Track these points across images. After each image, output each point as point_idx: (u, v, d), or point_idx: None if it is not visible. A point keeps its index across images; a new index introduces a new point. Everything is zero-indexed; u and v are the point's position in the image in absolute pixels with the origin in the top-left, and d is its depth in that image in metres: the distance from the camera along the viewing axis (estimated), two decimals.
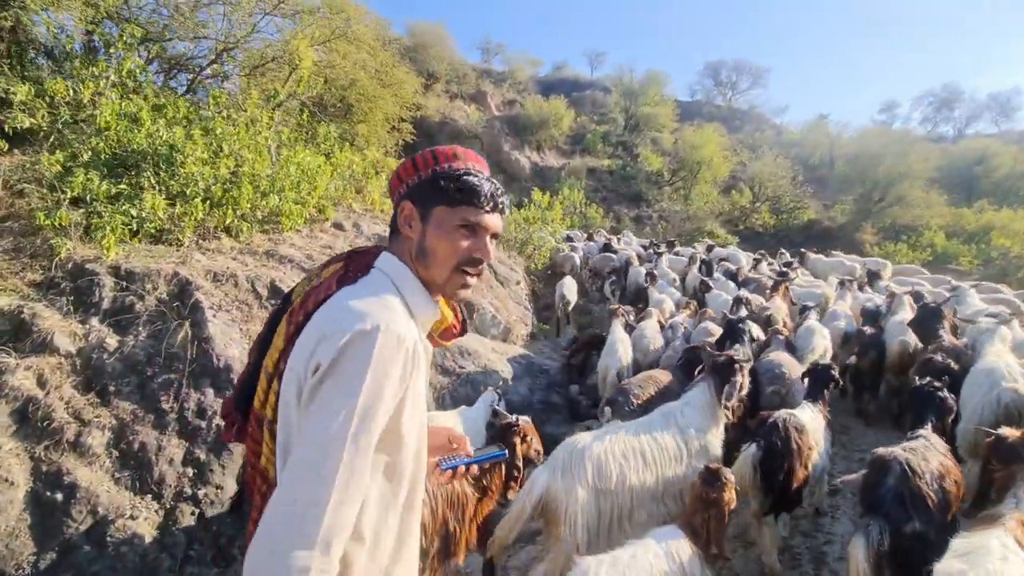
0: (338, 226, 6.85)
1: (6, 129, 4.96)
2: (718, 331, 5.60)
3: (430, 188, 1.13)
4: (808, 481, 3.38)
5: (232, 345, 4.19)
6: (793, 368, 4.70)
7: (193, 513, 3.58)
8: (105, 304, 4.17)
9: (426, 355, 1.17)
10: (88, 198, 4.77)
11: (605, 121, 32.16)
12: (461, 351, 5.42)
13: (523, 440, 3.15)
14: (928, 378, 3.46)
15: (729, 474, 2.58)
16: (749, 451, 3.16)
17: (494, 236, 1.19)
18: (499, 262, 8.07)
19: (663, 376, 4.65)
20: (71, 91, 5.21)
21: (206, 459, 3.76)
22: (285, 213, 5.98)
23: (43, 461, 3.41)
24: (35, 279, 4.21)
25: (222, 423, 3.94)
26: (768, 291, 7.28)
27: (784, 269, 9.28)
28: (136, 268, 4.41)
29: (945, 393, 3.30)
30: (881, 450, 2.80)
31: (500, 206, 1.18)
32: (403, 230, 1.16)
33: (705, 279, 8.24)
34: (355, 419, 0.92)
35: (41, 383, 3.65)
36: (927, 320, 5.14)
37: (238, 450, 3.89)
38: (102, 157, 5.11)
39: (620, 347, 5.70)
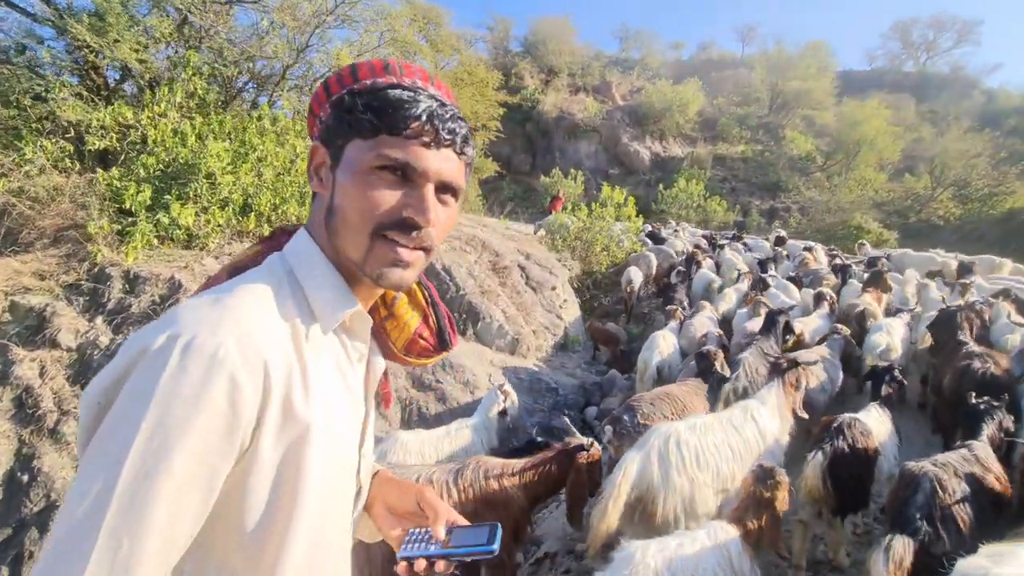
0: None
1: (83, 151, 5.86)
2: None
3: (342, 116, 0.73)
4: (874, 483, 3.29)
5: None
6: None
7: None
8: (110, 304, 4.65)
9: (370, 377, 0.83)
10: (133, 209, 5.41)
11: (747, 102, 28.80)
12: (444, 363, 5.06)
13: (589, 469, 3.03)
14: (985, 397, 3.30)
15: (783, 474, 2.53)
16: (816, 459, 3.06)
17: (444, 187, 0.75)
18: (535, 263, 7.49)
19: (683, 394, 4.05)
20: (135, 115, 5.97)
21: None
22: (304, 218, 6.17)
23: (25, 444, 3.88)
24: (68, 281, 4.86)
25: None
26: (861, 287, 6.53)
27: (870, 261, 8.30)
28: (142, 272, 4.86)
29: (1004, 413, 3.19)
30: (912, 464, 2.71)
31: (448, 137, 0.73)
32: (313, 185, 0.77)
33: (764, 276, 7.36)
34: (123, 482, 0.57)
35: (41, 374, 4.18)
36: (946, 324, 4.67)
37: None
38: (152, 172, 5.77)
39: (661, 341, 5.49)
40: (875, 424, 3.37)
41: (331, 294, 0.74)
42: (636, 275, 8.35)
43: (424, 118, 0.71)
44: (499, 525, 0.85)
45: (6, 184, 5.31)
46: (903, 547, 2.32)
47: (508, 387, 4.69)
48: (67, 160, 5.63)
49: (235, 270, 0.76)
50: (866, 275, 6.81)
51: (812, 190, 20.85)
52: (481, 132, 13.51)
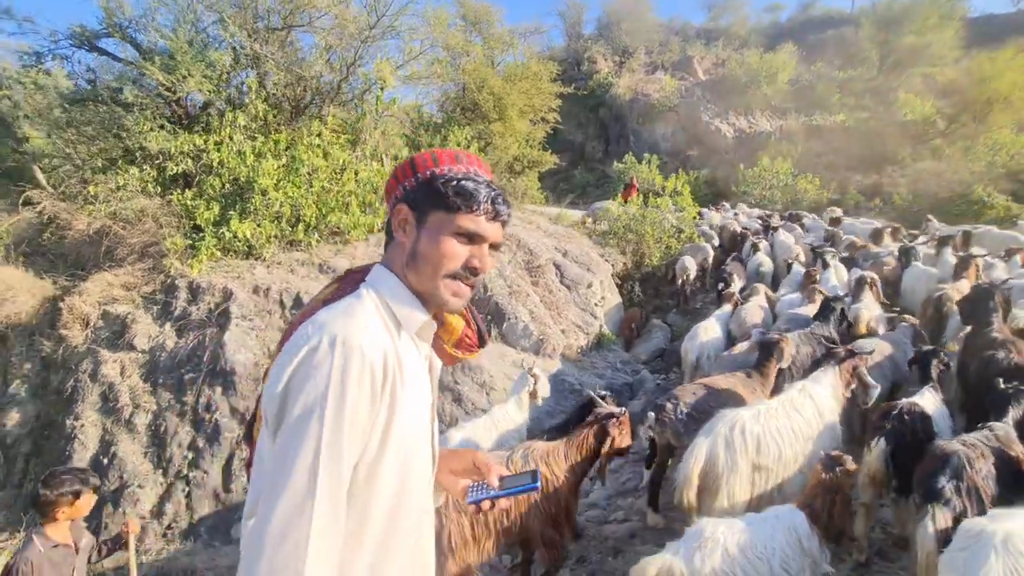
0: None
1: (165, 175, 6.72)
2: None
3: (427, 192, 1.08)
4: None
5: (242, 351, 4.90)
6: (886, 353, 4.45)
7: (183, 491, 4.37)
8: (177, 312, 5.35)
9: (433, 371, 1.16)
10: (202, 225, 6.15)
11: (852, 64, 25.75)
12: (463, 365, 5.21)
13: (618, 434, 3.23)
14: (1014, 382, 3.33)
15: (851, 461, 2.63)
16: (879, 446, 3.14)
17: (493, 246, 1.13)
18: (573, 260, 7.37)
19: (728, 384, 4.06)
20: (205, 140, 6.73)
21: (203, 446, 4.53)
22: (348, 226, 6.61)
23: (107, 432, 4.62)
24: (147, 291, 5.65)
25: (221, 419, 4.73)
26: (952, 273, 6.12)
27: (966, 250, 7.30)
28: (203, 283, 5.51)
29: None
30: (941, 442, 2.86)
31: (500, 214, 1.11)
32: (397, 234, 1.11)
33: (824, 257, 6.96)
34: (321, 451, 0.87)
35: (121, 373, 4.93)
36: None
37: (226, 442, 4.57)
38: (218, 191, 6.49)
39: (701, 331, 5.64)
40: (931, 407, 3.44)
41: (410, 309, 1.07)
42: (690, 263, 8.17)
43: (488, 203, 1.07)
44: (539, 470, 1.30)
45: (106, 208, 6.26)
46: (944, 516, 2.48)
47: (538, 370, 4.74)
48: (150, 185, 6.50)
49: (325, 302, 1.06)
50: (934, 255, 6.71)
51: (926, 160, 18.27)
52: (539, 125, 13.37)
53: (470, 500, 1.19)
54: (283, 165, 6.60)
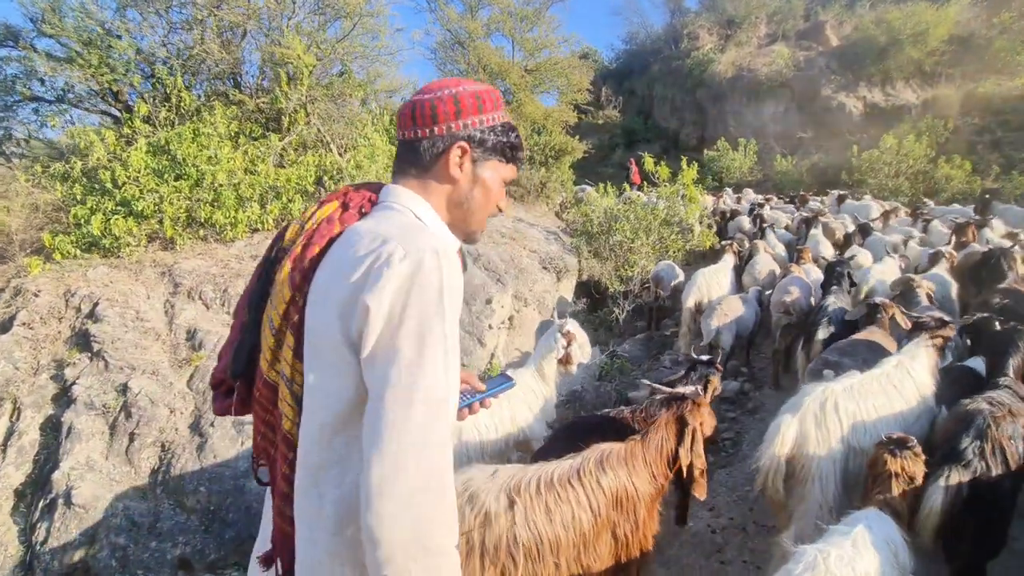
0: None
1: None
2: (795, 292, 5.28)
3: (495, 138, 1.13)
4: None
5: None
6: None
7: None
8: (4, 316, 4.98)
9: None
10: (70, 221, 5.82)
11: None
12: None
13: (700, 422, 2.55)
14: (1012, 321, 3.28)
15: (916, 443, 2.32)
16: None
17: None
18: (482, 267, 5.71)
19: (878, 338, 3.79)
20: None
21: None
22: (219, 223, 5.87)
23: None
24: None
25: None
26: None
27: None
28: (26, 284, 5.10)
29: None
30: (967, 402, 2.69)
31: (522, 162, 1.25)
32: (449, 169, 1.10)
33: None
34: (448, 352, 0.92)
35: None
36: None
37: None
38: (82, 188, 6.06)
39: (700, 279, 5.81)
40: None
41: (447, 232, 1.15)
42: (669, 272, 6.69)
43: (523, 157, 1.25)
44: (509, 374, 1.41)
45: None
46: (959, 478, 2.35)
47: (573, 326, 3.64)
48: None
49: (346, 217, 1.07)
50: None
51: None
52: (563, 108, 11.59)
53: (462, 405, 1.21)
54: (162, 157, 6.04)
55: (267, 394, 1.07)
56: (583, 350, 3.68)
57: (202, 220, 5.89)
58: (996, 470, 2.38)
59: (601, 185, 8.73)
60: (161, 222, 5.84)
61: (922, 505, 2.33)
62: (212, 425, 3.92)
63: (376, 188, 1.15)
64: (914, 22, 17.32)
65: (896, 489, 2.21)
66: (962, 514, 2.32)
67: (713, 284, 5.84)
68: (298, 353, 0.99)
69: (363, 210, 1.08)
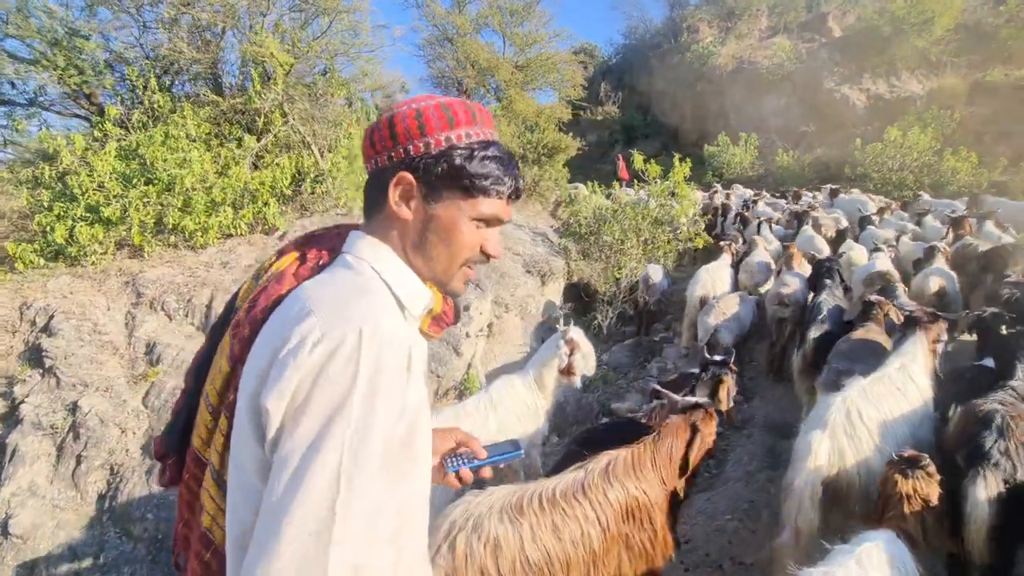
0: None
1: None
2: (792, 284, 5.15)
3: (443, 166, 0.90)
4: None
5: None
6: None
7: None
8: None
9: (423, 354, 0.99)
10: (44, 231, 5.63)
11: None
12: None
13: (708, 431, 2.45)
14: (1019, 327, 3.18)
15: (930, 462, 2.15)
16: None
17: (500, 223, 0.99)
18: None
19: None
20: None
21: None
22: (188, 229, 5.66)
23: None
24: None
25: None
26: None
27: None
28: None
29: None
30: (978, 402, 2.58)
31: (519, 194, 0.97)
32: (394, 207, 0.92)
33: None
34: (351, 457, 0.71)
35: None
36: None
37: None
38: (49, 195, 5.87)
39: (705, 275, 5.80)
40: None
41: (415, 286, 0.94)
42: (655, 272, 6.42)
43: (512, 186, 0.95)
44: (518, 440, 1.32)
45: None
46: (995, 478, 2.28)
47: (577, 334, 3.42)
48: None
49: (299, 272, 0.91)
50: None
51: None
52: (557, 105, 11.30)
53: (451, 470, 1.07)
54: (132, 162, 5.83)
55: (197, 474, 0.94)
56: (587, 361, 3.45)
57: (171, 226, 5.68)
58: (1021, 468, 2.31)
59: (590, 183, 8.45)
60: (130, 229, 5.64)
61: (967, 516, 2.22)
62: None
63: (343, 235, 0.98)
64: (919, 10, 16.89)
65: (908, 511, 2.05)
66: (1002, 516, 2.24)
67: (717, 280, 5.83)
68: (230, 440, 0.85)
69: (321, 262, 0.92)
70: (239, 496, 0.79)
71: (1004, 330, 3.34)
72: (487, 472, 1.12)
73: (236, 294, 1.02)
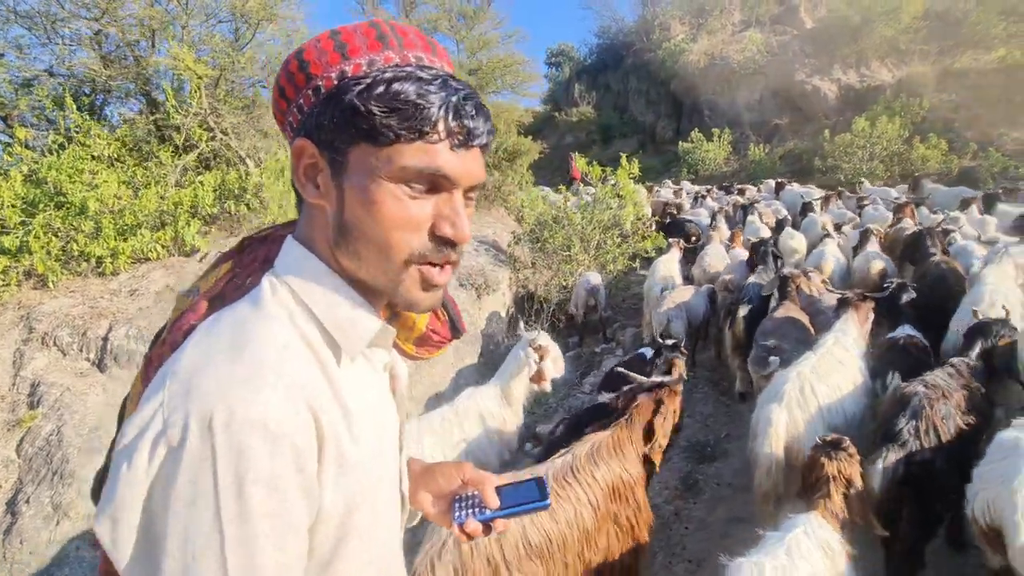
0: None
1: None
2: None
3: (337, 112, 0.58)
4: None
5: None
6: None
7: None
8: None
9: (398, 383, 0.76)
10: None
11: None
12: None
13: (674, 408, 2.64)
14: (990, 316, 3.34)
15: (850, 443, 2.25)
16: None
17: (470, 190, 0.64)
18: None
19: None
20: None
21: None
22: (93, 254, 5.32)
23: None
24: None
25: None
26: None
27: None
28: None
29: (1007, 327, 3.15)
30: (904, 384, 2.75)
31: (474, 134, 0.60)
32: (305, 191, 0.63)
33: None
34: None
35: None
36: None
37: None
38: None
39: (661, 267, 5.81)
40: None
41: (350, 313, 0.64)
42: (595, 279, 6.16)
43: (450, 117, 0.58)
44: (544, 478, 0.93)
45: None
46: (896, 457, 2.42)
47: (545, 340, 3.45)
48: None
49: (216, 299, 0.68)
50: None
51: None
52: (512, 106, 11.04)
53: (459, 521, 0.83)
54: (38, 188, 5.51)
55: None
56: (556, 364, 3.47)
57: (77, 253, 5.35)
58: (930, 450, 2.43)
59: (563, 187, 8.19)
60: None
61: (869, 492, 2.33)
62: (27, 502, 3.37)
63: (281, 239, 0.72)
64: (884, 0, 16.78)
65: (835, 492, 2.14)
66: (899, 494, 2.37)
67: (672, 270, 5.89)
68: None
69: (249, 280, 0.69)
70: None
71: (904, 298, 3.77)
72: (501, 524, 0.85)
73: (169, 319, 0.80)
